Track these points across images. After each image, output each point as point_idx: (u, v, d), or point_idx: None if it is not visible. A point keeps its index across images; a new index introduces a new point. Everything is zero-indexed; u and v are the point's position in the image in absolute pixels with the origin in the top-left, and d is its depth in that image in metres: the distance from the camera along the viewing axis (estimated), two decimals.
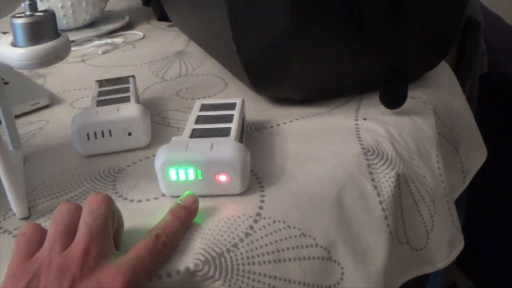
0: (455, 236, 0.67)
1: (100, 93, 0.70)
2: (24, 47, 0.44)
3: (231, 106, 0.62)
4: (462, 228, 0.70)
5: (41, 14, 0.43)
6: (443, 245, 0.66)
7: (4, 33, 0.48)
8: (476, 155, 0.82)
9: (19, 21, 0.44)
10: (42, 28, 0.43)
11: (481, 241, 1.64)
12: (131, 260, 0.43)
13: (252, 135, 0.66)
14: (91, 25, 1.18)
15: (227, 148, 0.52)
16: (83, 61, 1.00)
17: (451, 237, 0.67)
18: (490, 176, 1.36)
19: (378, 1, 0.63)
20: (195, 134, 0.56)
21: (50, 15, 0.44)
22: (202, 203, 0.52)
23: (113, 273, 0.42)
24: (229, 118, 0.59)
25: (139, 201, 0.55)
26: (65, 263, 0.42)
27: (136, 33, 1.13)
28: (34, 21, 0.43)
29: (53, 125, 0.74)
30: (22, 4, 0.45)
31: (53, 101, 0.81)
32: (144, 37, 1.11)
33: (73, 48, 1.06)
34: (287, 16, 0.62)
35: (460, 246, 0.68)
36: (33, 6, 0.44)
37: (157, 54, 0.99)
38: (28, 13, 0.44)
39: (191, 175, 0.52)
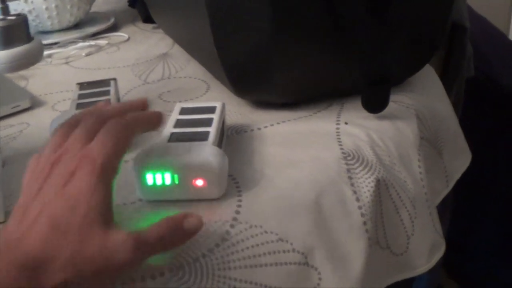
0: (436, 240, 0.67)
1: (80, 96, 0.69)
2: None
3: (211, 110, 0.62)
4: (448, 231, 0.70)
5: (13, 18, 0.43)
6: (424, 250, 0.65)
7: None
8: (460, 159, 0.82)
9: None
10: (14, 32, 0.43)
11: (468, 244, 1.64)
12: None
13: (233, 139, 0.65)
14: (76, 26, 1.17)
15: (204, 153, 0.52)
16: (67, 63, 0.99)
17: (432, 241, 0.66)
18: (477, 178, 1.36)
19: (360, 6, 0.62)
20: (174, 138, 0.56)
21: (22, 19, 0.43)
22: (179, 208, 0.52)
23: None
24: (208, 122, 0.59)
25: (116, 205, 0.54)
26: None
27: (121, 35, 1.12)
28: (6, 25, 0.42)
29: (33, 128, 0.73)
30: None
31: (35, 103, 0.81)
32: (129, 39, 1.11)
33: (57, 50, 1.05)
34: (269, 21, 0.62)
35: (441, 251, 0.68)
36: (5, 10, 0.43)
37: (141, 56, 0.99)
38: (0, 16, 0.43)
39: (168, 180, 0.52)
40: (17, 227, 0.43)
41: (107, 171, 0.45)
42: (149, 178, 0.52)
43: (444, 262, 0.70)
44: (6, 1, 0.44)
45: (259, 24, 0.63)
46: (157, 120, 0.51)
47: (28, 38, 0.44)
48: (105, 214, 0.43)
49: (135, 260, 0.43)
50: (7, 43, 0.43)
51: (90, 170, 0.43)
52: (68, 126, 0.49)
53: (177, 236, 0.46)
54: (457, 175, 0.81)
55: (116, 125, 0.47)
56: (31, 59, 0.43)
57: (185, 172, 0.51)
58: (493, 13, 1.74)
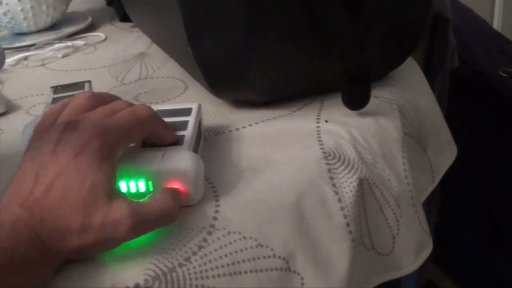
0: (423, 239, 0.66)
1: (54, 100, 0.67)
2: None
3: (187, 112, 0.60)
4: (436, 225, 0.69)
5: None
6: (410, 249, 0.64)
7: None
8: (445, 153, 0.81)
9: None
10: None
11: (456, 237, 1.64)
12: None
13: (210, 141, 0.63)
14: (52, 27, 1.15)
15: (179, 158, 0.50)
16: (43, 65, 0.97)
17: (418, 240, 0.65)
18: (463, 172, 1.35)
19: (336, 2, 0.61)
20: (147, 143, 0.54)
21: None
22: None
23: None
24: (183, 125, 0.57)
25: None
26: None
27: (98, 34, 1.10)
28: None
29: (8, 134, 0.71)
30: None
31: (10, 108, 0.79)
32: (106, 38, 1.09)
33: (33, 52, 1.03)
34: (243, 19, 0.61)
35: (428, 249, 0.66)
36: None
37: (118, 56, 0.97)
38: None
39: (142, 187, 0.50)
40: (30, 193, 0.44)
41: (115, 150, 0.47)
42: (123, 186, 0.50)
43: (433, 256, 0.69)
44: None
45: (234, 22, 0.61)
46: (170, 139, 0.54)
47: None
48: (110, 189, 0.45)
49: (132, 236, 0.45)
50: None
51: (102, 144, 0.45)
52: (100, 99, 0.52)
53: (174, 212, 0.48)
54: (442, 170, 0.80)
55: (142, 111, 0.50)
56: None
57: (160, 179, 0.50)
58: (477, 3, 1.73)
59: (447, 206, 1.45)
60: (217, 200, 0.52)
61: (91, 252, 0.45)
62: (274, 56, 0.64)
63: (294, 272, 0.51)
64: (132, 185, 0.50)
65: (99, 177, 0.44)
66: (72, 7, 1.24)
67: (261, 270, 0.49)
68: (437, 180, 0.78)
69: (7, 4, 1.06)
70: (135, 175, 0.50)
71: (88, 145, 0.45)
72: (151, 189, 0.50)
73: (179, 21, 0.64)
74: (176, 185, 0.50)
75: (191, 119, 0.58)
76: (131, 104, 0.52)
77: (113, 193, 0.45)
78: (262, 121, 0.66)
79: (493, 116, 1.49)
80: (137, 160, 0.50)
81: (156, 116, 0.52)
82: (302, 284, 0.52)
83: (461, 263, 1.65)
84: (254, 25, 0.61)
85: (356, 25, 0.62)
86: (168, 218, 0.47)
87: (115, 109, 0.50)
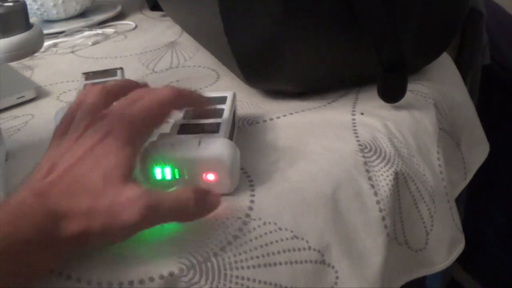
0: (456, 236, 0.65)
1: (86, 86, 0.67)
2: None
3: (222, 100, 0.59)
4: (461, 224, 0.68)
5: (11, 4, 0.40)
6: (443, 246, 0.63)
7: None
8: (477, 150, 0.80)
9: None
10: (12, 20, 0.40)
11: (480, 236, 1.62)
12: None
13: (244, 130, 0.63)
14: (82, 15, 1.15)
15: (215, 146, 0.49)
16: (72, 52, 0.97)
17: (451, 237, 0.64)
18: (490, 169, 1.33)
19: None
20: (183, 130, 0.53)
21: (20, 6, 0.41)
22: None
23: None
24: (219, 113, 0.56)
25: None
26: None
27: (128, 23, 1.10)
28: (3, 12, 0.40)
29: (38, 119, 0.71)
30: None
31: (40, 94, 0.79)
32: (136, 27, 1.08)
33: (63, 39, 1.03)
34: (280, 9, 0.60)
35: (460, 247, 0.65)
36: None
37: (149, 45, 0.96)
38: None
39: (177, 174, 0.49)
40: (43, 179, 0.44)
41: (140, 138, 0.47)
42: (158, 172, 0.50)
43: None
44: None
45: (270, 12, 0.60)
46: (201, 101, 0.54)
47: (27, 26, 0.41)
48: (126, 173, 0.44)
49: (142, 224, 0.43)
50: (5, 31, 0.41)
51: (121, 133, 0.45)
52: (111, 91, 0.51)
53: (193, 211, 0.46)
54: (475, 167, 0.79)
55: (161, 94, 0.49)
56: (31, 47, 0.40)
57: (195, 166, 0.49)
58: (509, 1, 1.70)
59: (472, 205, 1.43)
60: (252, 190, 0.52)
61: (99, 239, 0.43)
62: (309, 46, 0.63)
63: (329, 265, 0.51)
64: (167, 172, 0.49)
65: (116, 160, 0.44)
66: None
67: (296, 262, 0.48)
68: (469, 176, 0.77)
69: None
70: (171, 162, 0.49)
71: (110, 134, 0.45)
72: (186, 176, 0.49)
73: (215, 11, 0.63)
74: (211, 173, 0.49)
75: (226, 107, 0.57)
76: (148, 88, 0.52)
77: (129, 178, 0.44)
78: (296, 112, 0.66)
79: None
80: (173, 147, 0.50)
81: (177, 94, 0.50)
82: (337, 277, 0.51)
83: (485, 262, 1.63)
84: (290, 15, 0.61)
85: (392, 14, 0.61)
86: (184, 215, 0.46)
87: (133, 99, 0.49)
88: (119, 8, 1.17)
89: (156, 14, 1.16)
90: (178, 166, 0.49)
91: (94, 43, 1.00)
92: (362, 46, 0.64)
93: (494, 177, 1.52)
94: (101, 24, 1.11)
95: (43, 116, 0.71)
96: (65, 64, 0.91)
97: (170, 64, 0.86)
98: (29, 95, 0.77)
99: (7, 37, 0.41)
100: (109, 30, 1.06)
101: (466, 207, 1.40)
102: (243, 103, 0.69)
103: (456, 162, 0.73)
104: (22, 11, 0.41)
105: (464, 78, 0.85)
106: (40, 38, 0.43)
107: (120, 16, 1.16)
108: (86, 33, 1.05)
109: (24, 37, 0.41)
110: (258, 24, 0.62)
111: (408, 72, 0.63)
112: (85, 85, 0.68)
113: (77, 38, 1.03)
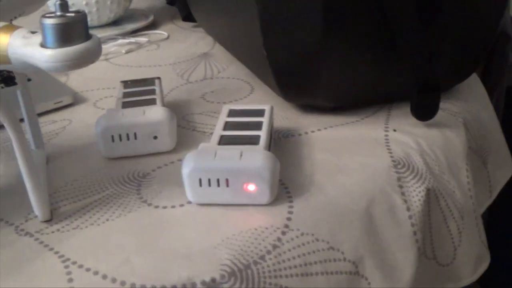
0: (482, 252, 0.66)
1: (125, 94, 0.69)
2: (53, 49, 0.43)
3: (260, 113, 0.61)
4: None
5: (73, 15, 0.42)
6: (470, 261, 0.64)
7: (32, 32, 0.47)
8: (503, 169, 0.81)
9: (49, 21, 0.43)
10: (73, 30, 0.42)
11: (499, 254, 1.62)
12: None
13: (280, 143, 0.64)
14: (114, 23, 1.17)
15: (256, 157, 0.51)
16: (106, 59, 0.99)
17: (477, 253, 0.65)
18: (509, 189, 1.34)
19: (411, 11, 0.61)
20: (224, 141, 0.55)
21: (81, 16, 0.42)
22: (230, 212, 0.51)
23: None
24: (258, 125, 0.58)
25: (164, 207, 0.53)
26: None
27: (161, 32, 1.12)
28: (65, 22, 0.41)
29: (76, 125, 0.73)
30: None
31: (76, 100, 0.80)
32: (168, 37, 1.10)
33: None
34: (319, 24, 0.61)
35: (486, 263, 0.67)
36: (64, 6, 0.42)
37: (182, 55, 0.98)
38: (58, 13, 0.43)
39: (219, 184, 0.51)
40: None
41: None
42: (200, 181, 0.51)
43: None
44: None
45: (309, 27, 0.62)
46: None
47: (87, 36, 0.43)
48: None
49: None
50: (66, 40, 0.42)
51: None
52: None
53: None
54: (500, 186, 0.80)
55: None
56: (90, 57, 0.42)
57: (237, 176, 0.51)
58: None
59: (492, 222, 1.44)
60: (291, 201, 0.53)
61: None
62: (347, 64, 0.65)
63: (362, 276, 0.52)
64: (209, 181, 0.51)
65: None
66: (132, 5, 1.26)
67: (332, 273, 0.50)
68: (494, 195, 0.78)
69: None
70: (213, 172, 0.51)
71: None
72: (227, 186, 0.51)
73: (254, 23, 0.65)
74: (252, 183, 0.51)
75: (265, 120, 0.59)
76: None
77: None
78: (331, 127, 0.67)
79: None
80: (215, 157, 0.51)
81: None
82: None
83: (504, 281, 1.63)
84: (330, 33, 0.62)
85: (429, 34, 0.63)
86: None
87: None
88: (151, 18, 1.19)
89: (188, 24, 1.17)
90: (220, 176, 0.51)
91: (127, 51, 1.02)
92: (398, 65, 0.66)
93: None
94: (134, 33, 1.13)
95: (81, 122, 0.73)
96: (100, 71, 0.93)
97: (204, 75, 0.88)
98: (66, 100, 0.78)
99: (68, 46, 0.43)
100: (142, 39, 1.07)
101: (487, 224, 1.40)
102: (277, 116, 0.71)
103: (482, 180, 0.75)
104: (82, 22, 0.43)
105: (489, 98, 0.87)
106: (99, 48, 0.44)
107: (152, 26, 1.18)
108: (120, 41, 1.07)
109: (84, 47, 0.43)
110: (297, 41, 0.63)
111: (441, 91, 0.65)
112: (124, 93, 0.69)
113: (111, 46, 1.05)
